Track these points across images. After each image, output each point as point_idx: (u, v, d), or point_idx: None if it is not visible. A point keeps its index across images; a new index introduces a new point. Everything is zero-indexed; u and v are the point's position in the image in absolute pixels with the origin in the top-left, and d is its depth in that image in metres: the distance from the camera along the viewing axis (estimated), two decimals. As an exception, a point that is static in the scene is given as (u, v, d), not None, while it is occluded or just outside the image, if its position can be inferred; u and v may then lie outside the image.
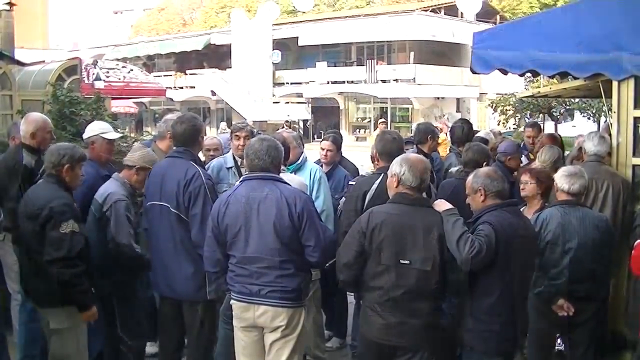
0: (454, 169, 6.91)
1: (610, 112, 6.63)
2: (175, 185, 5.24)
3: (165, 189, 5.31)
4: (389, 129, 25.06)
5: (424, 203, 4.62)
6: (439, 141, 10.69)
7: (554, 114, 29.23)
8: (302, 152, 6.60)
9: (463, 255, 4.33)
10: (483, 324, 4.59)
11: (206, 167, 6.23)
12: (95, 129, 6.22)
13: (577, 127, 29.63)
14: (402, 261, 4.43)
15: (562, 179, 5.45)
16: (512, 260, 4.55)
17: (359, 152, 19.42)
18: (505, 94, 31.11)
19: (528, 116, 29.27)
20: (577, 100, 26.67)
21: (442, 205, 4.62)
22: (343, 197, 6.45)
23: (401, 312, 4.48)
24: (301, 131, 41.12)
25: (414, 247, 4.43)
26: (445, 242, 4.43)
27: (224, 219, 4.72)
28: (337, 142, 7.50)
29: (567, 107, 29.49)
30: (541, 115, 29.98)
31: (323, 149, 7.35)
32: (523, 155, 8.49)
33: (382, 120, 22.86)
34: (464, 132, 7.94)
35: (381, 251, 4.46)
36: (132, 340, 5.71)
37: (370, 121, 46.73)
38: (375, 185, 5.50)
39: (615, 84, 6.22)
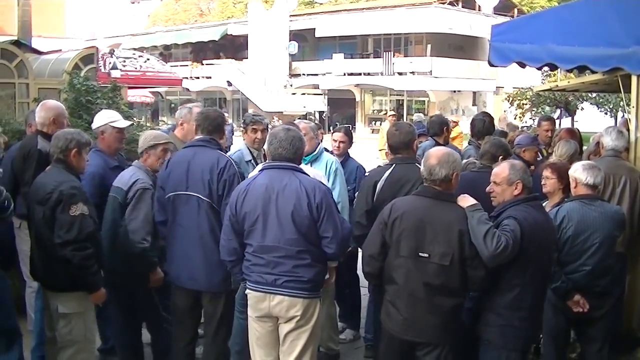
0: (465, 161, 6.86)
1: (628, 107, 6.57)
2: (207, 174, 5.18)
3: (192, 178, 5.24)
4: (403, 120, 24.97)
5: (447, 197, 4.55)
6: (453, 135, 10.75)
7: (570, 109, 29.15)
8: (319, 143, 6.56)
9: (490, 251, 4.28)
10: (502, 319, 4.56)
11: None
12: (104, 118, 6.13)
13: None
14: (420, 254, 4.40)
15: (583, 172, 5.36)
16: (534, 256, 4.52)
17: (375, 144, 19.44)
18: (522, 88, 31.02)
19: (544, 110, 29.18)
20: (594, 94, 26.55)
21: (466, 200, 4.54)
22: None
23: (421, 308, 4.45)
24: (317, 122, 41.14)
25: (434, 241, 4.39)
26: (465, 238, 4.38)
27: (242, 207, 4.70)
28: (349, 133, 7.50)
29: (559, 106, 29.32)
30: (558, 110, 29.89)
31: (335, 141, 7.32)
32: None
33: (392, 112, 22.46)
34: (484, 126, 7.86)
35: (400, 243, 4.44)
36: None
37: (386, 113, 46.73)
38: (385, 175, 5.42)
39: (634, 78, 6.18)
